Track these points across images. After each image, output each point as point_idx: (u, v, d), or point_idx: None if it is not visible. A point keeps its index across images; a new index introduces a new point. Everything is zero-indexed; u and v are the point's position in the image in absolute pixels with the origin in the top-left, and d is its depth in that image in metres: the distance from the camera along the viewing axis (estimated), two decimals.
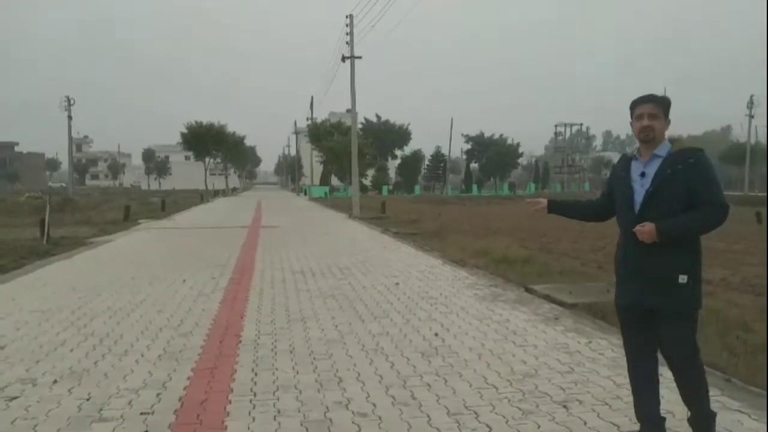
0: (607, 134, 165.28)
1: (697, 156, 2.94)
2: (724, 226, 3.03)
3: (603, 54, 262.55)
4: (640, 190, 3.02)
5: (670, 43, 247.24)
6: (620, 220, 3.17)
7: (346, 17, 26.67)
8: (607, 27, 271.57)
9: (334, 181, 63.27)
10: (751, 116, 59.07)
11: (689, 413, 3.15)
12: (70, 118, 49.34)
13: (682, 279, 2.92)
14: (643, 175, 3.03)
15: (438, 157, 76.47)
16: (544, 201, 3.57)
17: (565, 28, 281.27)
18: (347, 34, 26.47)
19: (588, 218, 3.60)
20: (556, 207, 3.55)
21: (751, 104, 58.67)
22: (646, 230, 2.92)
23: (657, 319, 3.03)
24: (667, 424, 3.31)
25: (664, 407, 3.43)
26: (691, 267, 2.96)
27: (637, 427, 3.23)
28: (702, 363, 3.12)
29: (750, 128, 60.27)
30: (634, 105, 3.09)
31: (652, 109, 3.01)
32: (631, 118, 3.11)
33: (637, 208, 3.01)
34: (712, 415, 3.12)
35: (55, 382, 4.22)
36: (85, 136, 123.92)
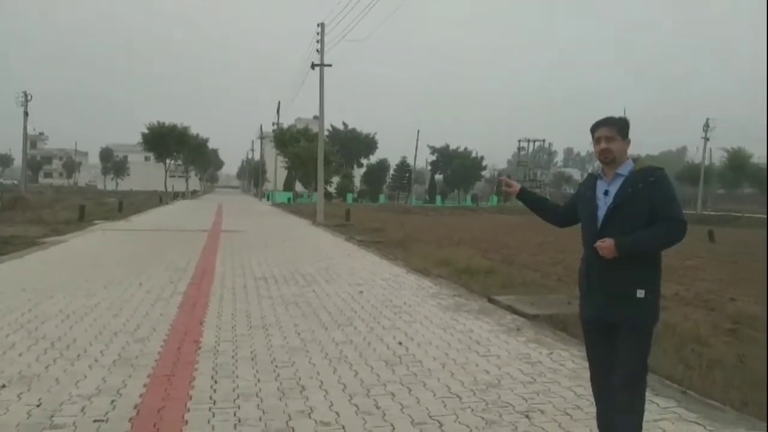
0: (568, 151, 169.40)
1: (657, 174, 3.01)
2: (680, 243, 3.10)
3: (567, 74, 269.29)
4: (603, 207, 3.09)
5: (631, 66, 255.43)
6: (584, 236, 3.21)
7: (318, 26, 26.64)
8: (570, 47, 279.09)
9: (299, 187, 62.81)
10: (707, 138, 61.34)
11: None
12: (26, 114, 47.72)
13: (640, 293, 2.97)
14: (606, 193, 3.09)
15: (403, 167, 76.88)
16: (518, 186, 3.62)
17: (531, 47, 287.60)
18: (318, 42, 26.43)
19: (548, 218, 3.61)
20: (526, 195, 3.58)
21: (706, 127, 60.92)
22: (605, 245, 2.98)
23: (617, 332, 3.06)
24: None
25: None
26: (650, 281, 3.01)
27: None
28: (645, 386, 3.12)
29: (705, 150, 62.57)
30: (593, 128, 3.18)
31: (608, 132, 3.09)
32: (592, 140, 3.20)
33: (599, 224, 3.08)
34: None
35: (3, 386, 4.03)
36: (41, 133, 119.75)
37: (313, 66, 26.30)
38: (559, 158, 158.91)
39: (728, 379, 4.67)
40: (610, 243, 2.96)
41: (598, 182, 3.19)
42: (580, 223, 3.29)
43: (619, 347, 3.07)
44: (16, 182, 68.29)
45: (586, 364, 4.79)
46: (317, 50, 26.20)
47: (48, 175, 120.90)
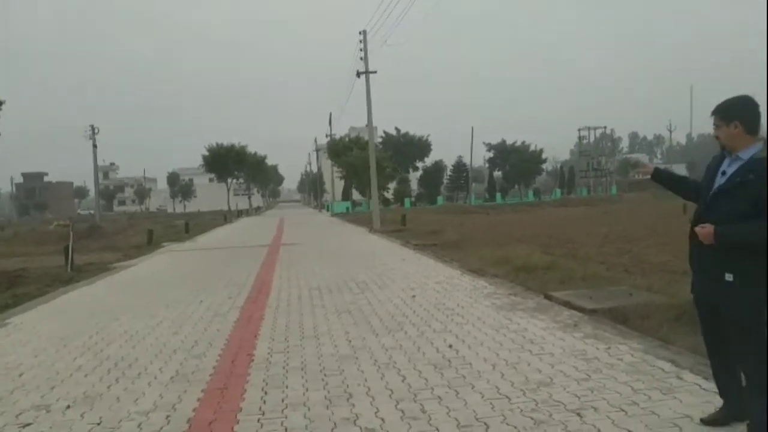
0: (634, 135, 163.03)
1: None
2: None
3: (625, 56, 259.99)
4: (714, 187, 3.07)
5: (692, 39, 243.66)
6: (695, 212, 3.21)
7: (360, 33, 26.89)
8: (629, 30, 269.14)
9: (356, 195, 63.41)
10: None
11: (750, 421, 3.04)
12: (95, 146, 50.45)
13: (728, 277, 2.92)
14: (723, 174, 3.07)
15: (460, 167, 76.23)
16: (651, 167, 3.61)
17: (587, 33, 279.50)
18: (361, 50, 26.67)
19: (686, 196, 3.51)
20: (660, 176, 3.57)
21: None
22: (704, 232, 2.98)
23: (720, 315, 3.06)
24: (685, 428, 3.18)
25: (683, 411, 3.31)
26: (743, 268, 2.88)
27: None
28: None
29: None
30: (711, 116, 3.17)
31: (715, 120, 3.08)
32: None
33: (706, 203, 3.08)
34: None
35: (68, 407, 4.24)
36: (112, 163, 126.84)
37: (358, 74, 26.57)
38: (624, 144, 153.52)
39: None
40: (710, 230, 2.94)
41: (724, 160, 3.12)
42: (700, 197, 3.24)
43: (729, 340, 3.05)
44: (92, 212, 72.35)
45: (646, 357, 4.63)
46: (361, 58, 26.44)
47: (122, 202, 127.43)
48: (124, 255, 17.11)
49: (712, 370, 3.34)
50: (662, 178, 3.53)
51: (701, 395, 3.78)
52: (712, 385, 3.84)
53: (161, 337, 6.31)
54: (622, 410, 3.61)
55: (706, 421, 3.27)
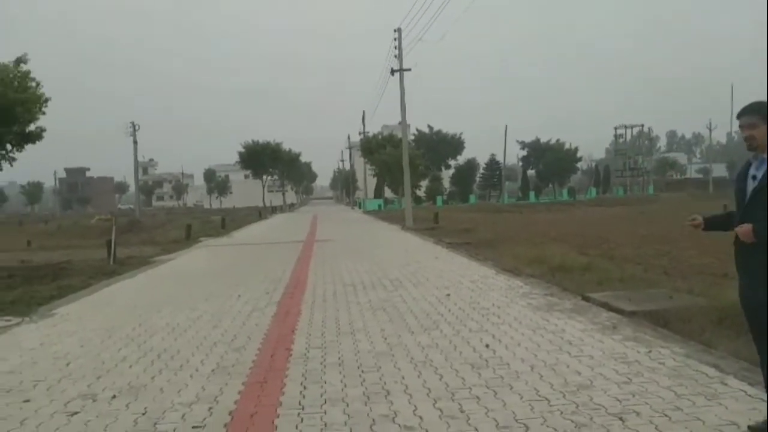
0: (672, 134, 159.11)
1: None
2: None
3: (663, 52, 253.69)
4: (749, 191, 3.17)
5: (732, 35, 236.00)
6: (735, 220, 3.29)
7: (394, 31, 26.89)
8: (668, 26, 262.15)
9: (388, 193, 63.50)
10: None
11: None
12: (135, 143, 51.76)
13: None
14: (754, 178, 3.17)
15: (493, 165, 75.64)
16: (700, 219, 3.59)
17: (625, 30, 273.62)
18: (395, 47, 26.69)
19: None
20: (712, 223, 3.60)
21: None
22: (743, 230, 3.10)
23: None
24: None
25: (728, 418, 3.24)
26: None
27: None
28: None
29: None
30: (738, 116, 3.25)
31: (747, 120, 3.17)
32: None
33: (744, 207, 3.17)
34: None
35: (114, 397, 4.38)
36: (151, 159, 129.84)
37: (392, 72, 26.58)
38: (662, 143, 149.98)
39: None
40: (748, 228, 3.06)
41: (750, 168, 3.23)
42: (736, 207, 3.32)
43: None
44: (132, 207, 74.24)
45: (689, 362, 4.55)
46: (395, 56, 26.46)
47: (160, 198, 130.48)
48: (163, 249, 17.52)
49: (764, 374, 3.29)
50: (714, 224, 3.57)
51: (747, 402, 3.69)
52: (757, 392, 3.76)
53: (202, 330, 6.45)
54: (666, 415, 3.55)
55: (753, 429, 3.20)
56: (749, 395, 3.78)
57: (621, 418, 3.55)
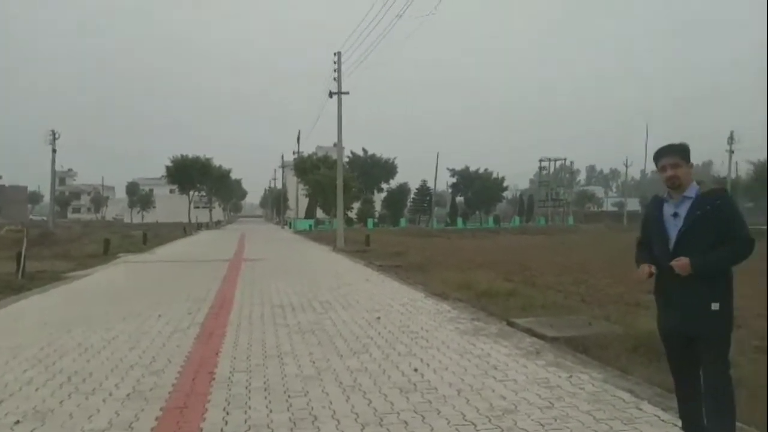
0: (591, 168, 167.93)
1: (722, 197, 3.27)
2: None
3: (583, 90, 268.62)
4: (674, 229, 3.33)
5: (649, 79, 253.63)
6: (656, 256, 3.42)
7: (334, 54, 27.05)
8: (585, 62, 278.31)
9: (320, 213, 63.14)
10: (731, 152, 60.19)
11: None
12: (54, 151, 48.95)
13: (715, 306, 3.20)
14: (675, 215, 3.33)
15: (424, 191, 76.80)
16: (647, 267, 3.46)
17: (547, 65, 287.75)
18: (335, 70, 26.82)
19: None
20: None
21: (731, 140, 59.85)
22: (681, 264, 3.23)
23: (696, 343, 3.31)
24: None
25: None
26: (723, 294, 3.23)
27: None
28: (732, 386, 3.31)
29: (730, 163, 61.40)
30: (657, 157, 3.41)
31: (672, 159, 3.34)
32: (656, 168, 3.44)
33: (671, 245, 3.31)
34: None
35: (17, 422, 4.05)
36: (69, 169, 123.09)
37: (330, 94, 26.66)
38: (582, 176, 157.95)
39: (754, 400, 4.47)
40: (686, 262, 3.20)
41: (665, 205, 3.40)
42: (652, 243, 3.46)
43: (702, 358, 3.30)
44: (45, 218, 69.94)
45: (606, 387, 4.72)
46: (334, 79, 26.57)
47: (76, 210, 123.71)
48: (78, 264, 16.55)
49: (679, 402, 3.49)
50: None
51: (660, 426, 3.87)
52: (670, 417, 3.96)
53: (117, 352, 6.10)
54: None
55: None
56: (662, 420, 3.97)
57: None
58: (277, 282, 12.29)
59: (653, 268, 3.41)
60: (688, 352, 3.36)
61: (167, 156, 58.92)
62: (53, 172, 49.63)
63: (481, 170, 78.89)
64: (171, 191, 78.27)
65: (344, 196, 30.15)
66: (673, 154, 3.33)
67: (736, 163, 65.20)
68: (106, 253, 20.60)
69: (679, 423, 3.84)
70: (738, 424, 3.87)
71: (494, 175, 78.70)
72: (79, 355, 5.95)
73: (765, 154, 62.03)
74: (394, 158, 76.13)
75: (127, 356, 5.91)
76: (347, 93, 26.75)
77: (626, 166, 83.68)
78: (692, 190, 3.30)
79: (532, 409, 4.27)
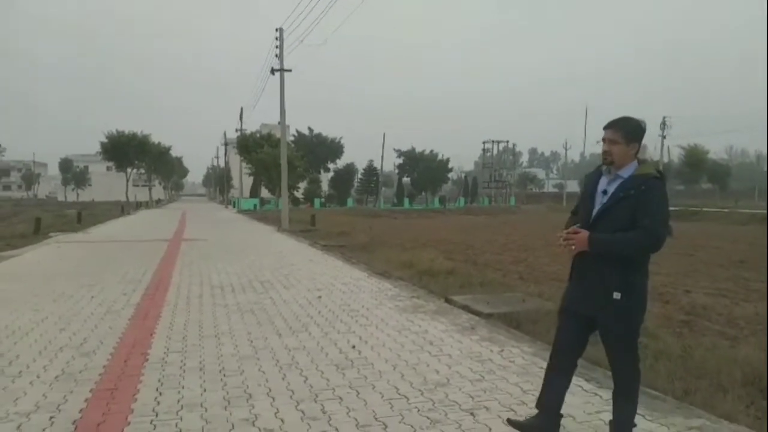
0: (533, 151, 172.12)
1: (649, 183, 3.05)
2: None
3: (527, 72, 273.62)
4: (598, 205, 3.19)
5: (594, 67, 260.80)
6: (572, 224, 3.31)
7: (276, 30, 26.47)
8: (531, 48, 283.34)
9: (265, 193, 62.21)
10: (664, 137, 62.96)
11: (616, 418, 3.29)
12: None
13: (616, 295, 3.07)
14: (605, 192, 3.18)
15: (370, 171, 76.82)
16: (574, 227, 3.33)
17: (494, 47, 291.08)
18: (277, 47, 26.27)
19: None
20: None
21: (663, 125, 62.52)
22: (578, 237, 3.12)
23: (600, 331, 3.24)
24: (568, 426, 3.41)
25: (565, 411, 3.54)
26: (629, 286, 3.06)
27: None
28: (637, 381, 3.26)
29: (662, 147, 64.25)
30: (604, 128, 3.21)
31: (611, 135, 3.15)
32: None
33: (591, 221, 3.18)
34: (634, 425, 3.28)
35: None
36: None
37: (273, 71, 26.13)
38: (524, 158, 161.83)
39: (672, 370, 4.78)
40: (584, 236, 3.10)
41: (601, 179, 3.25)
42: (579, 213, 3.34)
43: (608, 355, 3.26)
44: None
45: (535, 360, 4.92)
46: (276, 55, 26.05)
47: (6, 187, 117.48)
48: (6, 244, 15.75)
49: (546, 375, 3.41)
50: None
51: (582, 396, 4.08)
52: (592, 387, 4.18)
53: (46, 334, 5.89)
54: (512, 410, 3.83)
55: (512, 423, 3.42)
56: (584, 390, 4.19)
57: (472, 414, 3.78)
58: (217, 262, 12.10)
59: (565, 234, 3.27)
60: (580, 333, 3.28)
61: (102, 131, 56.41)
62: None
63: (427, 152, 79.51)
64: (108, 168, 75.19)
65: (289, 176, 29.82)
66: (614, 130, 3.15)
67: (668, 147, 68.38)
68: (38, 233, 19.68)
69: (601, 393, 4.07)
70: (656, 393, 4.16)
71: (440, 157, 79.49)
72: (5, 338, 5.72)
73: (694, 141, 65.18)
74: (341, 138, 75.70)
75: (56, 338, 5.72)
76: (289, 70, 26.28)
77: (566, 149, 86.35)
78: (628, 170, 3.12)
79: (463, 382, 4.42)
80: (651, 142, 63.00)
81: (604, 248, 3.08)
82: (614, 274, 3.06)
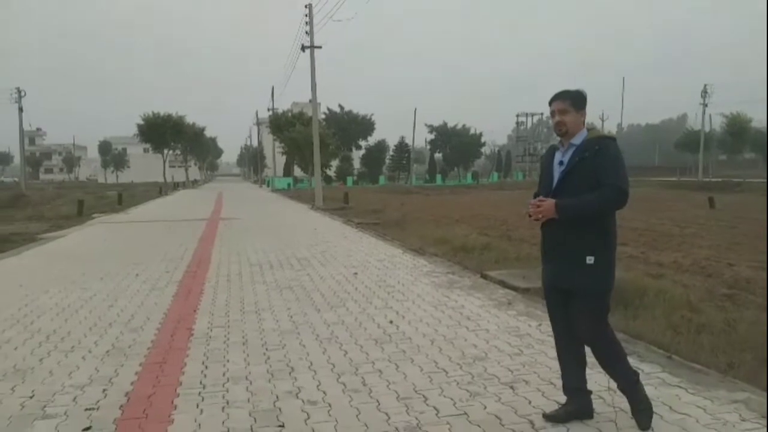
0: None
1: (602, 143, 3.10)
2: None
3: (563, 48, 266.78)
4: (557, 176, 3.20)
5: (625, 35, 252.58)
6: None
7: (305, 7, 26.38)
8: (566, 24, 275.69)
9: (298, 171, 62.67)
10: (705, 105, 60.79)
11: (617, 383, 3.30)
12: (21, 110, 47.55)
13: (590, 260, 3.07)
14: (561, 163, 3.20)
15: (402, 147, 76.55)
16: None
17: (529, 23, 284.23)
18: (306, 23, 26.20)
19: None
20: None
21: (705, 93, 60.34)
22: (545, 205, 3.12)
23: (571, 298, 3.19)
24: (607, 399, 3.41)
25: (606, 385, 3.54)
26: (600, 248, 3.09)
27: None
28: (612, 337, 3.25)
29: (704, 117, 62.08)
30: (550, 102, 3.25)
31: (561, 105, 3.18)
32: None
33: (552, 192, 3.18)
34: (635, 378, 3.26)
35: None
36: (38, 129, 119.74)
37: (303, 48, 26.10)
38: None
39: (716, 343, 4.72)
40: (550, 204, 3.09)
41: (556, 153, 3.28)
42: (540, 191, 3.34)
43: (572, 314, 3.19)
44: (17, 179, 68.34)
45: None
46: (306, 32, 25.99)
47: (49, 170, 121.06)
48: (52, 226, 16.35)
49: (560, 361, 3.39)
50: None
51: None
52: (634, 361, 4.14)
53: (95, 311, 6.14)
54: (552, 383, 3.84)
55: (547, 417, 3.32)
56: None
57: (512, 387, 3.80)
58: (254, 241, 12.32)
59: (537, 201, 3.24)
60: (564, 308, 3.23)
61: (139, 114, 57.47)
62: (21, 131, 48.36)
63: (459, 126, 78.68)
64: (145, 150, 76.69)
65: (321, 154, 29.94)
66: (562, 100, 3.17)
67: (710, 116, 66.00)
68: (81, 214, 20.34)
69: (642, 366, 4.04)
70: (699, 366, 4.11)
71: (472, 131, 78.61)
72: (56, 315, 5.98)
73: (738, 109, 62.78)
74: (372, 115, 75.53)
75: (105, 315, 5.95)
76: (320, 47, 26.20)
77: (602, 120, 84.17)
78: (580, 137, 3.15)
79: (502, 356, 4.44)
80: (693, 111, 60.82)
81: (572, 212, 3.07)
82: (584, 239, 3.08)
